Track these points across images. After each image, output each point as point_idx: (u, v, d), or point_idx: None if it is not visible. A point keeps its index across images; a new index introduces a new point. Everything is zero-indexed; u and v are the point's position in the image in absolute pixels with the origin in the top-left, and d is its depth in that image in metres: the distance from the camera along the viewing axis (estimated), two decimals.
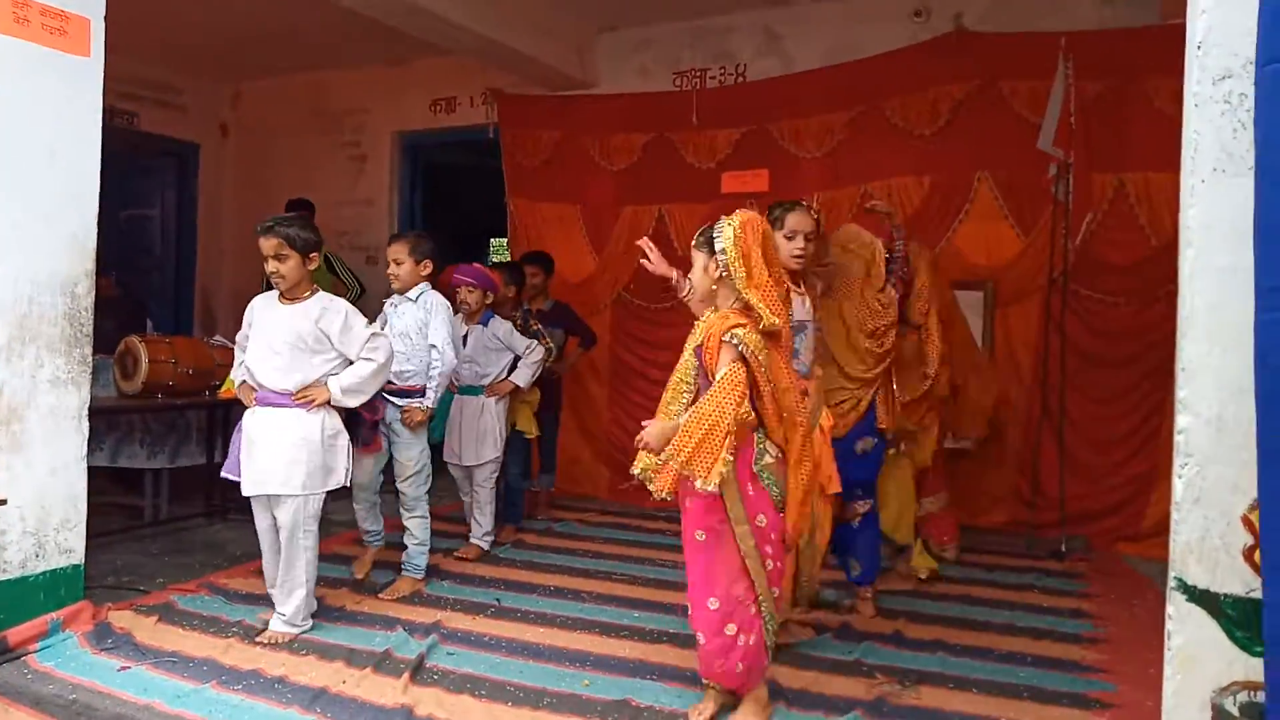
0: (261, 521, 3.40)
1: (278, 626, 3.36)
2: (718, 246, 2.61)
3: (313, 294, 3.41)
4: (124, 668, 3.05)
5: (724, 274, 2.61)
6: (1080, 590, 4.15)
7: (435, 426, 4.44)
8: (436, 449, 4.57)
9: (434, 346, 3.97)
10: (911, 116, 5.38)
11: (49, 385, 3.38)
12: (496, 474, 4.59)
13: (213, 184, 7.96)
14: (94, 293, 3.55)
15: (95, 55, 3.51)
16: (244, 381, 3.44)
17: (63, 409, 3.43)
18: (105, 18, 3.52)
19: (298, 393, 3.32)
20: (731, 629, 2.61)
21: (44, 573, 3.37)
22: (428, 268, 4.01)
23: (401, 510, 4.05)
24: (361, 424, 3.60)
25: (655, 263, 2.98)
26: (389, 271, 4.03)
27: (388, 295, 4.17)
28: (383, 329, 3.82)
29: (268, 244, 3.30)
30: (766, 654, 2.70)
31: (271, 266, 3.32)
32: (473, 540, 4.57)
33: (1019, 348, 5.21)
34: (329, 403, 3.36)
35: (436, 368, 3.97)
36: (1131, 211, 4.95)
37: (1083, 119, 4.70)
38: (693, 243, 2.77)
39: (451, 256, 6.93)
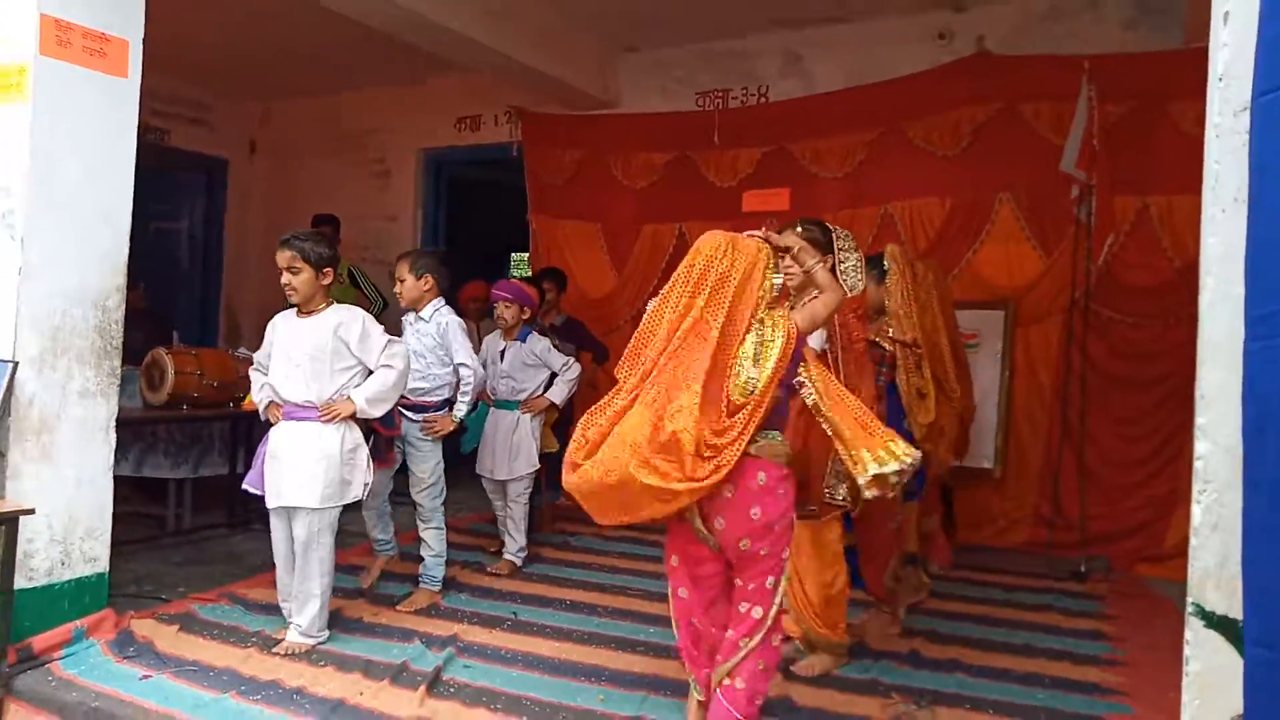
0: (278, 533, 3.44)
1: (294, 637, 3.39)
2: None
3: (329, 306, 3.48)
4: (145, 676, 3.09)
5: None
6: (1100, 612, 4.12)
7: (468, 439, 4.48)
8: (466, 460, 4.60)
9: (463, 364, 4.02)
10: (934, 138, 5.40)
11: (78, 397, 3.45)
12: (530, 490, 4.62)
13: (240, 199, 8.09)
14: (124, 306, 3.62)
15: (133, 76, 3.60)
16: (272, 401, 3.50)
17: (91, 420, 3.50)
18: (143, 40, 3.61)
19: (323, 407, 3.37)
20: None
21: (69, 581, 3.43)
22: (428, 282, 4.06)
23: (418, 522, 4.09)
24: (379, 439, 3.65)
25: None
26: (395, 289, 4.12)
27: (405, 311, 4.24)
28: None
29: (282, 256, 3.38)
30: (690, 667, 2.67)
31: (285, 279, 3.40)
32: (506, 556, 4.59)
33: (1040, 368, 5.19)
34: (353, 415, 3.41)
35: (467, 384, 4.02)
36: (1154, 234, 4.93)
37: (1106, 141, 4.69)
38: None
39: (474, 271, 7.01)
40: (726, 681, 2.49)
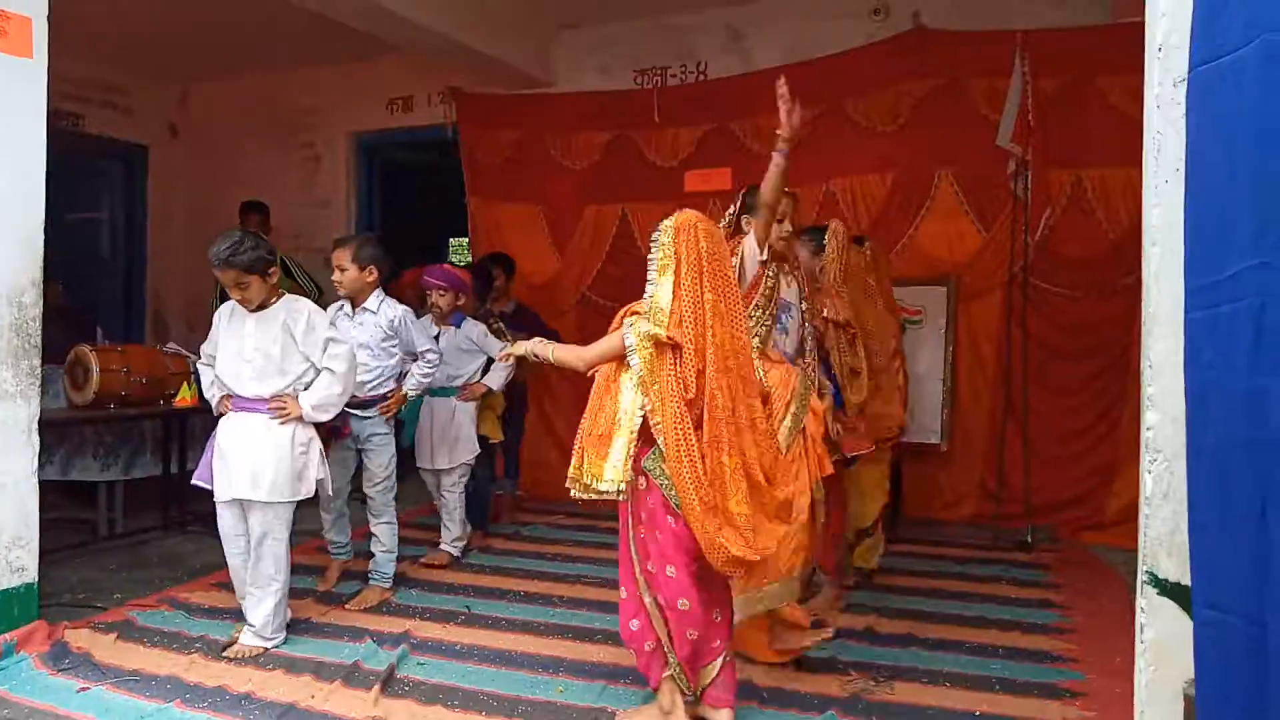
0: (230, 529, 3.32)
1: (247, 640, 3.29)
2: (652, 250, 2.58)
3: (279, 299, 3.36)
4: (83, 689, 2.96)
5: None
6: (1047, 581, 4.21)
7: (406, 431, 4.38)
8: (407, 453, 4.50)
9: (428, 350, 4.03)
10: (873, 114, 5.41)
11: None
12: (465, 478, 4.53)
13: (163, 186, 7.75)
14: (42, 302, 3.44)
15: (38, 57, 3.39)
16: (225, 395, 3.38)
17: (11, 423, 3.32)
18: (48, 17, 3.41)
19: (272, 400, 3.28)
20: (635, 624, 2.63)
21: None
22: (373, 273, 3.92)
23: (370, 517, 3.99)
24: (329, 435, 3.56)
25: None
26: (333, 278, 3.96)
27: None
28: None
29: (226, 277, 3.25)
30: (662, 664, 2.63)
31: (236, 295, 3.29)
32: (442, 547, 4.51)
33: (982, 342, 5.28)
34: (301, 418, 3.31)
35: (432, 365, 4.03)
36: (1089, 207, 5.02)
37: (1040, 116, 4.77)
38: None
39: (412, 257, 6.84)
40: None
